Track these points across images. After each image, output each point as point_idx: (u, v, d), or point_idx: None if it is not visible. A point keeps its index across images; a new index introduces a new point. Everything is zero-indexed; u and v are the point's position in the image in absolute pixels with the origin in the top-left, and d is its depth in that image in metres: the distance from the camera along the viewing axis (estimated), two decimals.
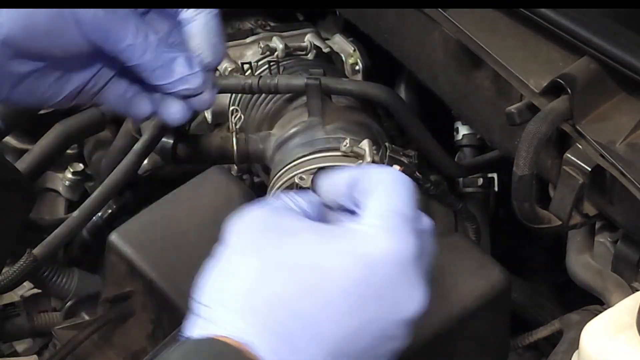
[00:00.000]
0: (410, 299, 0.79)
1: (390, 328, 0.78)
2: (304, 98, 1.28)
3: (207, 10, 0.91)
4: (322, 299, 0.75)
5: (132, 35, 0.87)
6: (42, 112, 1.49)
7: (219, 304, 0.76)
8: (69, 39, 0.86)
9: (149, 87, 0.92)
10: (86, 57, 0.89)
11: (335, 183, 0.83)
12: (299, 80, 1.28)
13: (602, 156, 0.97)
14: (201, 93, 0.91)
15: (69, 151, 1.53)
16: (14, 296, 1.46)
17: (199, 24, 0.91)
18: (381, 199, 0.79)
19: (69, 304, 1.35)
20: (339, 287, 0.75)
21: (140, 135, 1.39)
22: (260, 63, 1.45)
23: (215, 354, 0.73)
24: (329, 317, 0.75)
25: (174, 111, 0.92)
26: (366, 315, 0.76)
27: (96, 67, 0.92)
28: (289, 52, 1.47)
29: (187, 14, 0.91)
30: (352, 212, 0.81)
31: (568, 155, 1.01)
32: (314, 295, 0.75)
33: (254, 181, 1.45)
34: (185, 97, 0.91)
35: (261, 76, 1.31)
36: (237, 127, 1.32)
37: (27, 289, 1.48)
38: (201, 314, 0.76)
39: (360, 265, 0.76)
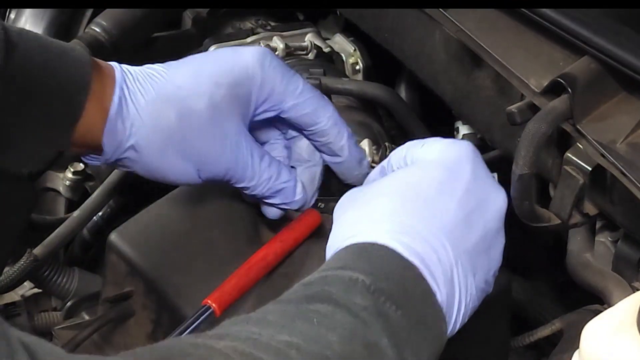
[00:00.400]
0: (494, 189, 0.97)
1: (490, 218, 0.95)
2: None
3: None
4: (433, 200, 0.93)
5: (249, 180, 1.04)
6: None
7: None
8: (186, 179, 1.04)
9: None
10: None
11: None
12: None
13: (603, 156, 0.97)
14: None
15: None
16: (14, 296, 1.46)
17: (347, 162, 1.08)
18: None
19: (69, 303, 1.35)
20: (439, 187, 0.94)
21: None
22: None
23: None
24: (441, 208, 0.92)
25: (272, 214, 1.10)
26: (469, 203, 0.94)
27: None
28: (289, 52, 1.46)
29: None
30: None
31: (568, 154, 1.01)
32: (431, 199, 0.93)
33: None
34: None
35: None
36: None
37: (27, 288, 1.48)
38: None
39: (442, 170, 0.95)
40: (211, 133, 1.01)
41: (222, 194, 1.16)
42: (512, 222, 1.08)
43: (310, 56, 1.48)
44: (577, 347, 0.84)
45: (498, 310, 1.13)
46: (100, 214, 1.48)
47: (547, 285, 1.43)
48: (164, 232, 1.14)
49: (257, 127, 1.07)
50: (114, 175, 1.40)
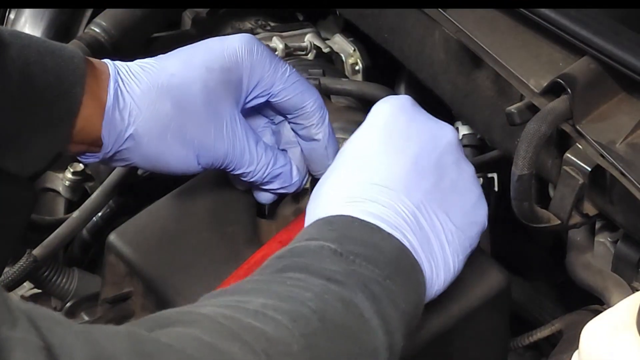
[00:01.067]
0: (437, 127, 1.00)
1: (442, 155, 0.97)
2: None
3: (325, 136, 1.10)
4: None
5: (247, 165, 1.06)
6: None
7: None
8: (190, 172, 1.06)
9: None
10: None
11: None
12: None
13: (602, 156, 0.97)
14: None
15: None
16: (14, 296, 1.46)
17: (319, 149, 1.09)
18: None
19: (68, 304, 1.34)
20: (380, 146, 0.97)
21: None
22: None
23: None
24: (385, 164, 0.95)
25: (266, 198, 1.12)
26: (411, 149, 0.96)
27: None
28: (289, 52, 1.46)
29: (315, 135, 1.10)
30: None
31: (568, 155, 1.01)
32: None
33: None
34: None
35: None
36: None
37: (27, 289, 1.48)
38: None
39: (377, 129, 0.98)
40: (207, 118, 1.03)
41: (221, 194, 1.16)
42: (512, 222, 1.08)
43: (310, 56, 1.48)
44: (577, 348, 0.84)
45: (498, 310, 1.13)
46: (99, 214, 1.47)
47: (547, 285, 1.43)
48: (163, 233, 1.14)
49: (245, 115, 1.09)
50: (114, 175, 1.40)
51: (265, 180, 1.08)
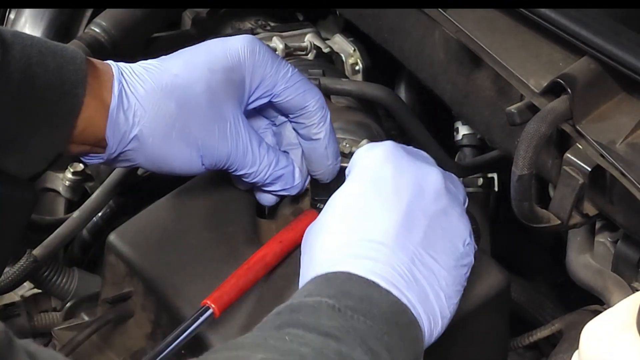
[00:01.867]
0: (422, 174, 0.99)
1: (429, 203, 0.97)
2: None
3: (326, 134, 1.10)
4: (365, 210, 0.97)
5: (250, 166, 1.06)
6: None
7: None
8: (194, 172, 1.07)
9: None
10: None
11: None
12: None
13: (602, 156, 0.97)
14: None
15: None
16: (14, 296, 1.46)
17: (319, 149, 1.10)
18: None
19: (68, 304, 1.35)
20: (371, 200, 0.97)
21: None
22: None
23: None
24: (378, 219, 0.96)
25: (268, 200, 1.13)
26: (401, 202, 0.96)
27: None
28: (289, 52, 1.46)
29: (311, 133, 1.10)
30: None
31: (568, 155, 1.01)
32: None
33: None
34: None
35: None
36: None
37: (27, 289, 1.48)
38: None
39: (367, 183, 0.98)
40: (211, 118, 1.04)
41: (221, 194, 1.16)
42: (512, 222, 1.08)
43: (310, 56, 1.48)
44: (577, 348, 0.84)
45: (497, 311, 1.13)
46: (99, 214, 1.47)
47: (547, 285, 1.43)
48: (163, 233, 1.14)
49: (247, 117, 1.09)
50: (114, 175, 1.40)
51: (267, 181, 1.09)
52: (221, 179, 1.16)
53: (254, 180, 1.08)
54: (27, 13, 1.51)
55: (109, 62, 1.05)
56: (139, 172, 1.44)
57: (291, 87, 1.07)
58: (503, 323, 1.15)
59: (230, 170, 1.07)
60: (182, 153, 1.04)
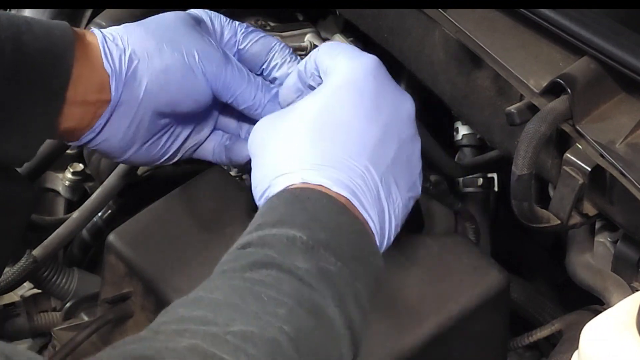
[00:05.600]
0: (399, 97, 0.98)
1: (403, 128, 0.97)
2: None
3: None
4: (347, 122, 0.94)
5: (247, 81, 1.06)
6: None
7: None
8: (197, 90, 1.04)
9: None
10: (205, 108, 1.07)
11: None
12: None
13: (602, 156, 0.97)
14: None
15: (69, 151, 1.53)
16: (14, 296, 1.46)
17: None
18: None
19: (68, 304, 1.35)
20: (353, 110, 0.95)
21: None
22: None
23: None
24: (358, 131, 0.94)
25: None
26: (381, 119, 0.95)
27: (202, 123, 1.10)
28: None
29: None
30: None
31: (568, 155, 1.01)
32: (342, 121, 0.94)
33: None
34: None
35: None
36: None
37: (27, 289, 1.48)
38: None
39: (353, 92, 0.95)
40: (195, 35, 1.05)
41: (221, 194, 1.16)
42: (512, 222, 1.08)
43: None
44: (577, 348, 0.84)
45: (497, 311, 1.13)
46: (99, 214, 1.48)
47: (547, 285, 1.43)
48: (162, 233, 1.14)
49: None
50: (114, 176, 1.40)
51: (267, 99, 1.07)
52: (221, 179, 1.16)
53: (254, 100, 1.07)
54: (27, 13, 1.51)
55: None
56: (139, 172, 1.44)
57: (250, 31, 1.10)
58: (503, 323, 1.16)
59: (231, 92, 1.06)
60: (180, 63, 1.03)
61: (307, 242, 0.86)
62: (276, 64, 1.10)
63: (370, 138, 0.94)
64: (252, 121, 1.05)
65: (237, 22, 1.11)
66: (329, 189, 0.91)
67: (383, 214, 0.94)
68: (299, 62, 1.09)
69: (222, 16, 1.11)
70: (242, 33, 1.10)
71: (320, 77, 1.01)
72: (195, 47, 1.04)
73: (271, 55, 1.10)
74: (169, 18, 1.07)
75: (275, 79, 1.11)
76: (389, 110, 0.97)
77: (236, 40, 1.10)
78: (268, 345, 0.79)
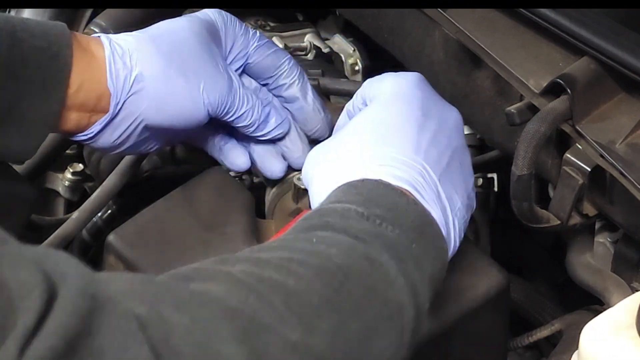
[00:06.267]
0: (447, 108, 1.01)
1: (453, 136, 0.98)
2: None
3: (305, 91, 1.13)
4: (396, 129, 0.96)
5: (245, 104, 1.07)
6: None
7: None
8: (195, 116, 1.06)
9: (241, 138, 1.13)
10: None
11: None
12: None
13: (602, 156, 0.97)
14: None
15: (68, 151, 1.53)
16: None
17: (308, 106, 1.13)
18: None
19: None
20: (403, 118, 0.97)
21: None
22: None
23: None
24: (411, 135, 0.96)
25: (276, 169, 1.14)
26: (431, 126, 0.97)
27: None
28: (288, 53, 1.46)
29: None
30: None
31: (568, 155, 1.01)
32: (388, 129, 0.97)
33: (254, 182, 1.45)
34: (277, 140, 1.12)
35: None
36: None
37: None
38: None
39: (400, 102, 0.99)
40: (202, 55, 1.06)
41: (221, 194, 1.16)
42: (512, 222, 1.08)
43: (310, 57, 1.48)
44: (577, 348, 0.84)
45: (497, 311, 1.13)
46: (99, 215, 1.47)
47: (547, 285, 1.43)
48: (162, 234, 1.14)
49: None
50: (114, 176, 1.40)
51: (262, 119, 1.09)
52: (221, 179, 1.16)
53: (251, 120, 1.08)
54: (27, 13, 1.51)
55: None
56: (139, 172, 1.44)
57: (262, 45, 1.11)
58: (503, 323, 1.15)
59: (229, 115, 1.07)
60: (183, 90, 1.05)
61: (363, 214, 0.87)
62: (284, 84, 1.12)
63: (423, 142, 0.96)
64: None
65: (251, 32, 1.12)
66: (389, 182, 0.91)
67: (446, 212, 0.94)
68: (307, 80, 1.13)
69: (237, 23, 1.12)
70: (254, 47, 1.11)
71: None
72: (202, 76, 1.05)
73: (279, 72, 1.12)
74: (182, 35, 1.07)
75: (281, 97, 1.13)
76: (438, 118, 0.98)
77: (247, 53, 1.11)
78: (315, 267, 0.80)
